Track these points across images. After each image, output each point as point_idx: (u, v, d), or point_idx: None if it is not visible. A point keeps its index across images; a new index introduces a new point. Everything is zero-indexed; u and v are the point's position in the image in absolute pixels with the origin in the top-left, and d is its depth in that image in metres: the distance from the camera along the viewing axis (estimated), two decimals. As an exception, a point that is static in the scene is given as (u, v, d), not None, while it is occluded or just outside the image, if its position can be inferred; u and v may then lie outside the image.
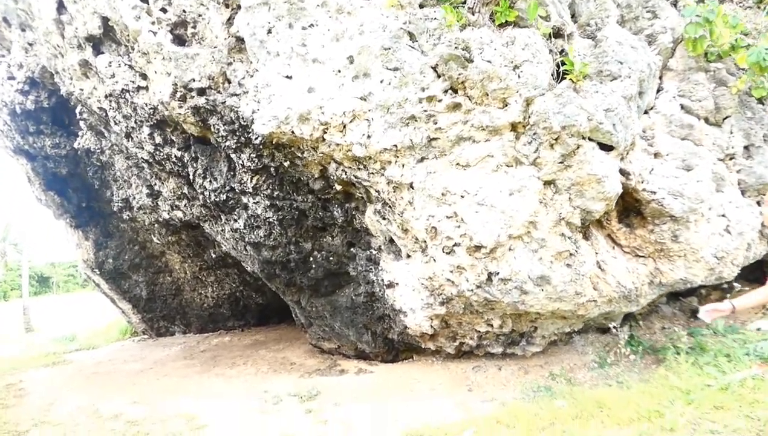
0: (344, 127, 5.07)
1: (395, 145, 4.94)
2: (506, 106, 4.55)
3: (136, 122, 6.98)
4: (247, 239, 7.01)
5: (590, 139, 4.59)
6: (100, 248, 11.40)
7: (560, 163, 4.62)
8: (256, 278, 10.61)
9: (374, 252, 6.44)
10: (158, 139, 6.97)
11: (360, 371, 7.38)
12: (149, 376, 8.63)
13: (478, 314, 5.82)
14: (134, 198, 8.95)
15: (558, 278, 4.95)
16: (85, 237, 11.38)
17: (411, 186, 5.14)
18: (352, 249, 6.70)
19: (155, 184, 8.23)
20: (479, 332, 6.20)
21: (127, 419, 6.27)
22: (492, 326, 5.95)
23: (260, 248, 7.05)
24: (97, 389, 7.91)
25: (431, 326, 6.18)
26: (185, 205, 8.03)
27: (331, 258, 6.91)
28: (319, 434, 5.22)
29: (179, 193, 7.88)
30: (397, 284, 6.18)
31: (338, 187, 5.97)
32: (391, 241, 6.19)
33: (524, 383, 6.11)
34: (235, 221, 7.05)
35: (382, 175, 5.22)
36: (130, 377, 8.66)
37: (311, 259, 7.00)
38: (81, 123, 8.49)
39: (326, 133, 5.20)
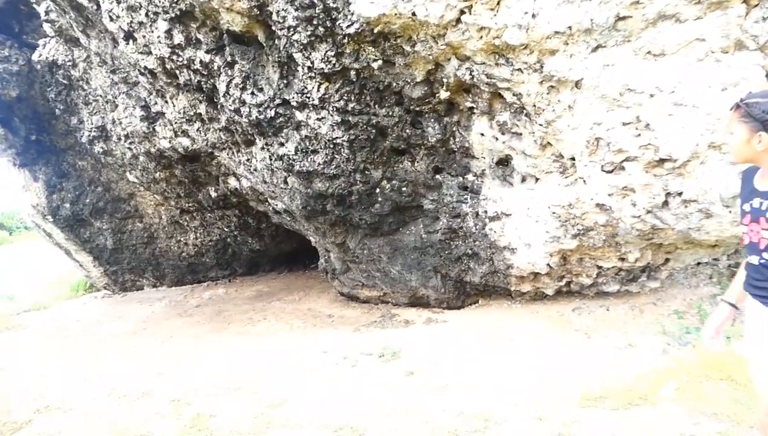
0: (498, 3, 3.79)
1: (569, 28, 3.73)
2: (749, -34, 3.43)
3: (147, 15, 5.28)
4: (297, 168, 5.61)
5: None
6: (54, 190, 9.43)
7: (795, 48, 3.61)
8: (259, 220, 9.17)
9: (473, 178, 5.26)
10: (178, 39, 5.33)
11: (429, 320, 6.29)
12: (148, 339, 7.13)
13: (616, 247, 4.85)
14: (118, 124, 7.17)
15: (754, 197, 4.01)
16: (34, 178, 9.37)
17: (577, 84, 3.97)
18: (437, 176, 5.49)
19: (156, 103, 6.53)
20: (602, 268, 5.26)
21: (165, 396, 4.91)
22: (625, 259, 5.01)
23: (313, 178, 5.67)
24: (91, 359, 6.37)
25: (547, 265, 5.16)
26: (198, 130, 6.42)
27: (404, 189, 5.67)
28: (461, 407, 4.11)
29: (192, 113, 6.26)
30: (507, 214, 5.07)
31: (444, 95, 4.70)
32: (502, 163, 5.04)
33: (650, 324, 5.27)
34: (282, 144, 5.61)
35: (537, 70, 4.01)
36: (123, 341, 7.12)
37: (378, 190, 5.72)
38: (46, 27, 6.57)
39: (466, 13, 3.89)
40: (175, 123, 6.51)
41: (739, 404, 3.56)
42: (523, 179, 4.95)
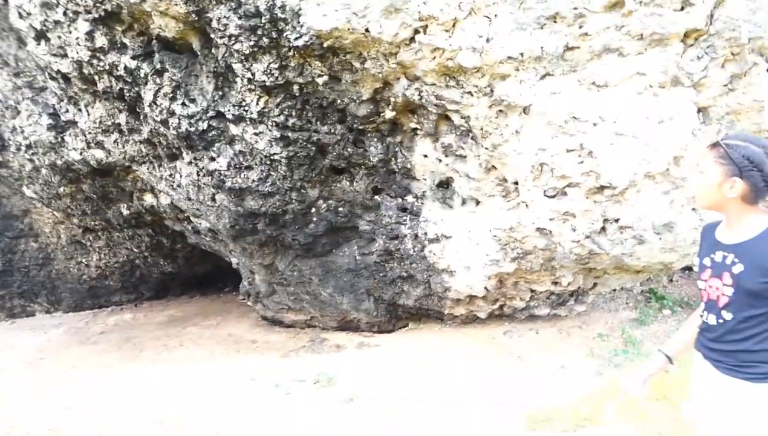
0: (454, 25, 3.79)
1: (521, 54, 3.80)
2: (688, 7, 3.64)
3: (66, 14, 4.83)
4: (228, 184, 5.31)
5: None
6: (-68, 205, 8.46)
7: (725, 85, 3.88)
8: (174, 240, 8.61)
9: (413, 200, 5.21)
10: (100, 42, 4.91)
11: (361, 345, 6.12)
12: (48, 370, 6.43)
13: (551, 271, 4.96)
14: (19, 132, 6.48)
15: (683, 224, 4.25)
16: None
17: (525, 110, 4.04)
18: (376, 197, 5.38)
19: (67, 111, 5.96)
20: (535, 291, 5.35)
21: (77, 435, 4.41)
22: (558, 283, 5.14)
23: (245, 195, 5.40)
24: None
25: (485, 287, 5.19)
26: (115, 142, 5.93)
27: (340, 209, 5.52)
28: (410, 432, 3.98)
29: (109, 123, 5.78)
30: (448, 236, 5.05)
31: (389, 115, 4.63)
32: (443, 185, 5.03)
33: (578, 347, 5.44)
34: (213, 159, 5.29)
35: (487, 94, 4.05)
36: (18, 373, 6.37)
37: (313, 210, 5.53)
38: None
39: (421, 33, 3.87)
40: (89, 133, 5.99)
41: (678, 423, 3.69)
42: (464, 202, 4.97)
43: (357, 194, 5.36)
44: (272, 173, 5.20)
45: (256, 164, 5.19)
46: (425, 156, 4.83)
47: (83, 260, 9.42)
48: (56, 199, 7.65)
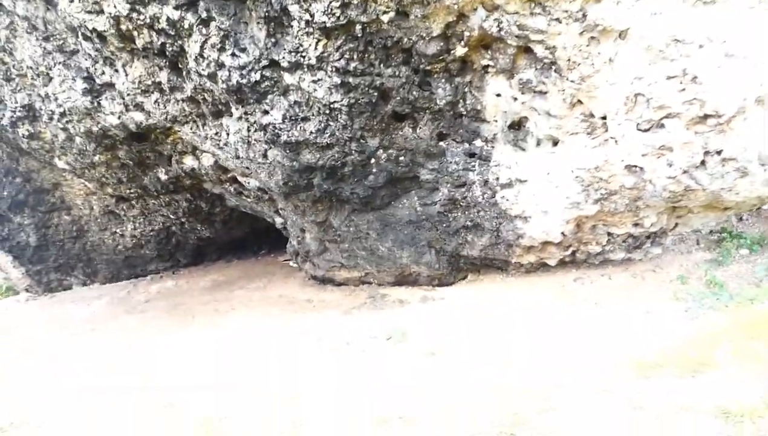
0: (545, -59, 3.44)
1: (620, -30, 3.45)
2: None
3: (102, -37, 4.50)
4: (284, 138, 5.02)
5: None
6: (-37, 182, 8.24)
7: None
8: (213, 204, 8.39)
9: (481, 144, 4.91)
10: (141, -8, 4.59)
11: (425, 299, 5.93)
12: (105, 338, 6.26)
13: (635, 212, 4.69)
14: (52, 100, 6.17)
15: (791, 153, 3.94)
16: (-62, 168, 8.12)
17: (621, 35, 3.70)
18: (441, 143, 5.09)
19: (103, 73, 5.64)
20: (612, 235, 5.10)
21: (159, 400, 4.25)
22: (640, 224, 4.87)
23: (301, 149, 5.11)
24: (51, 362, 5.52)
25: (561, 233, 4.93)
26: (155, 102, 5.63)
27: (401, 158, 5.23)
28: (514, 384, 3.79)
29: (149, 83, 5.47)
30: (523, 180, 4.77)
31: (460, 52, 4.29)
32: (515, 126, 4.73)
33: (657, 291, 5.18)
34: (266, 112, 4.99)
35: (578, 20, 3.70)
36: (77, 342, 6.23)
37: (372, 161, 5.25)
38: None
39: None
40: (128, 95, 5.68)
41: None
42: (538, 143, 4.67)
43: (420, 141, 5.06)
44: (331, 124, 4.91)
45: (313, 115, 4.89)
46: (498, 95, 4.51)
47: (117, 230, 9.25)
48: (90, 168, 7.40)
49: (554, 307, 5.21)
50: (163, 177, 7.29)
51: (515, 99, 4.44)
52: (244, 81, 4.76)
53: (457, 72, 4.54)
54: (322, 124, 4.91)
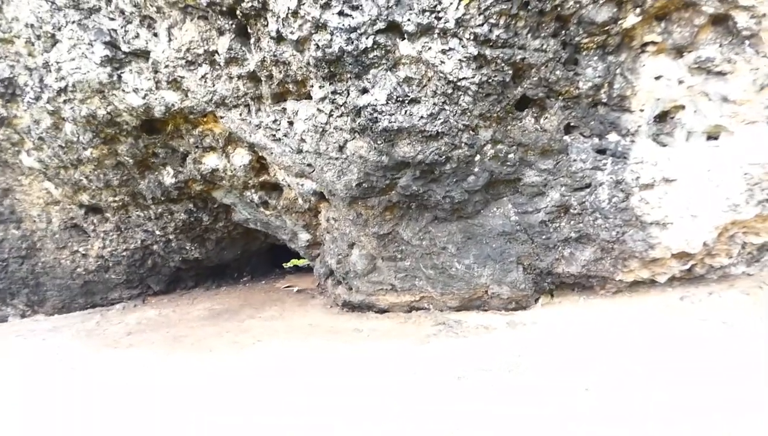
0: None
1: None
2: None
3: None
4: (383, 124, 4.11)
5: None
6: None
7: None
8: (216, 217, 7.13)
9: (618, 138, 4.24)
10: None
11: (512, 324, 5.07)
12: (113, 380, 4.88)
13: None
14: (52, 71, 4.86)
15: None
16: None
17: None
18: (566, 137, 4.37)
19: (137, 36, 4.47)
20: (746, 245, 4.56)
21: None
22: (782, 234, 4.37)
23: (400, 139, 4.21)
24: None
25: (703, 242, 4.32)
26: (202, 77, 4.53)
27: (510, 156, 4.45)
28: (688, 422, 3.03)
29: (199, 52, 4.37)
30: (671, 180, 4.13)
31: (631, 21, 3.65)
32: (660, 118, 4.11)
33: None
34: (365, 91, 4.08)
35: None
36: (57, 390, 4.80)
37: (477, 157, 4.44)
38: None
39: None
40: (165, 66, 4.54)
41: None
42: (688, 136, 4.08)
43: (541, 135, 4.32)
44: (446, 108, 4.06)
45: (426, 96, 4.03)
46: (657, 78, 3.89)
47: (80, 249, 7.72)
48: (72, 167, 6.03)
49: (673, 327, 4.57)
50: (169, 181, 6.04)
51: (681, 82, 3.84)
52: (350, 48, 3.84)
53: (613, 49, 3.88)
54: (436, 108, 4.06)
